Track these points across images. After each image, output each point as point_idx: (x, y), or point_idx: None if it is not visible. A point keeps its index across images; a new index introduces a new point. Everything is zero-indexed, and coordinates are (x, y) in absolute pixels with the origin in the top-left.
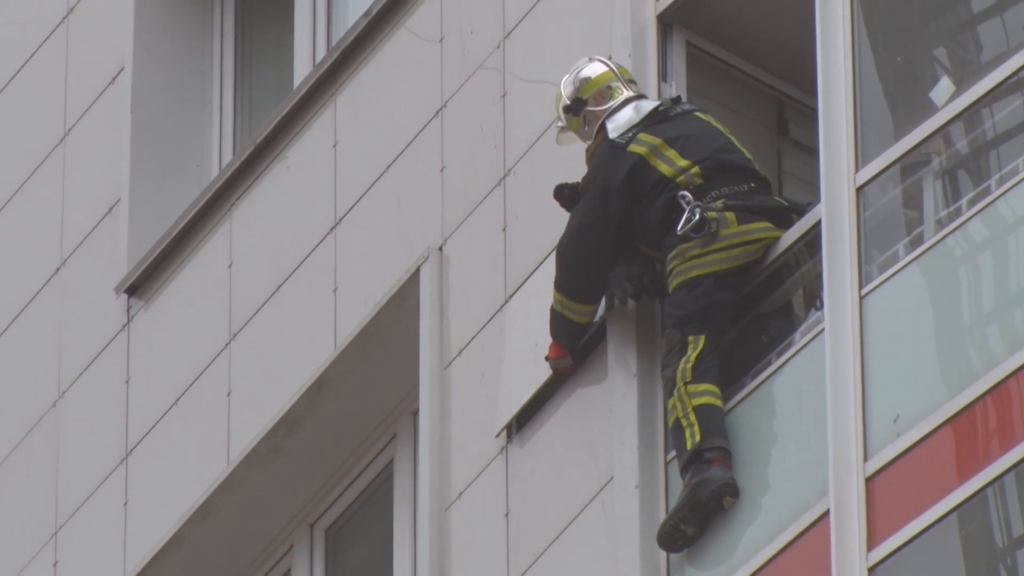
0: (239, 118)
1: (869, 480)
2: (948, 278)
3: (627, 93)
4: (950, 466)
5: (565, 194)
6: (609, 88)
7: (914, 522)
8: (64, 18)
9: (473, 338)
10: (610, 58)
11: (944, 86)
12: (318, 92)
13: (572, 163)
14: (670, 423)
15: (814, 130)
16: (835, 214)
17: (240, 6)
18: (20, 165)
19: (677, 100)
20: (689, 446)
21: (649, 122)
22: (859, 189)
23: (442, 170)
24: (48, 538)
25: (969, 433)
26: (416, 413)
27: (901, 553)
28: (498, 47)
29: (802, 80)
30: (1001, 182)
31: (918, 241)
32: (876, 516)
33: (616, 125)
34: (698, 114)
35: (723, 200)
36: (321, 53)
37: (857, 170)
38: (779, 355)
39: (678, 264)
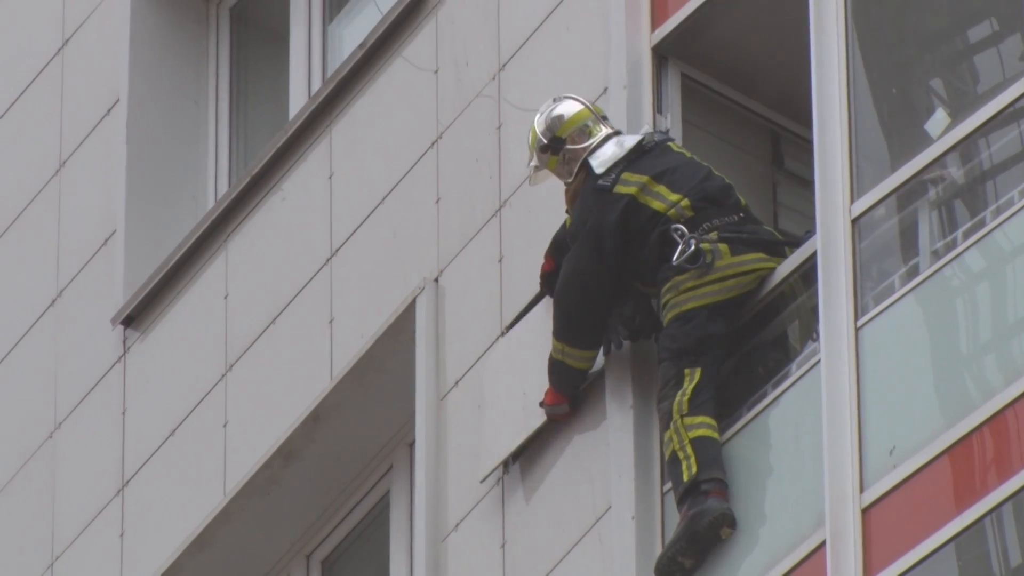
0: (235, 149)
1: (865, 511)
2: (944, 309)
3: (605, 130)
4: (947, 497)
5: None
6: (587, 126)
7: (911, 553)
8: (59, 50)
9: (469, 369)
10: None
11: (939, 117)
12: (313, 123)
13: None
14: (666, 456)
15: (809, 162)
16: (831, 245)
17: (235, 37)
18: (16, 196)
19: (652, 132)
20: (686, 478)
21: (631, 158)
22: (855, 220)
23: (438, 201)
24: (44, 569)
25: (966, 463)
26: (412, 444)
27: None
28: (493, 78)
29: (797, 112)
30: (997, 212)
31: (914, 272)
32: (872, 547)
33: (601, 161)
34: (670, 144)
35: (716, 232)
36: (316, 84)
37: (852, 201)
38: (775, 386)
39: (672, 297)
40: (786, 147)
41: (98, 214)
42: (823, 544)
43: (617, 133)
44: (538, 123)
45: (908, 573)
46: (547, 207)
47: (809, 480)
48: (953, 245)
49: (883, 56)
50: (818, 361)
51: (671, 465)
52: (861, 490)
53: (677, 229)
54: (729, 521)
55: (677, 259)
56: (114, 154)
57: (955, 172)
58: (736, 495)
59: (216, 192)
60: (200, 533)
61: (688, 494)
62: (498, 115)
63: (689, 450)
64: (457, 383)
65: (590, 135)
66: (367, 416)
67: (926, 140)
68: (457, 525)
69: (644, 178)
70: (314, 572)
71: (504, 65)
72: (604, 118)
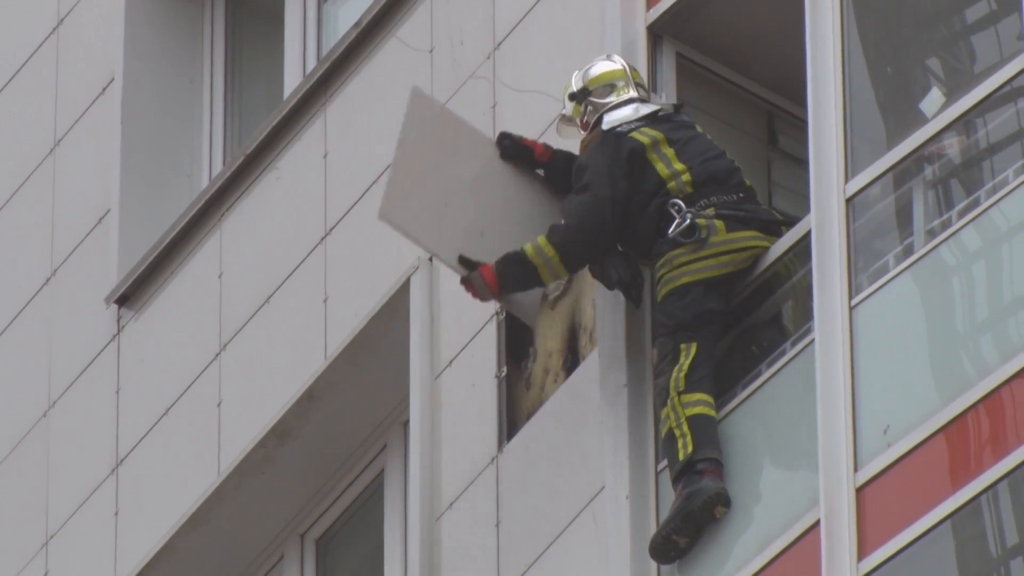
0: (229, 128)
1: (860, 490)
2: (939, 288)
3: (631, 93)
4: (943, 475)
5: (505, 144)
6: (614, 85)
7: (905, 531)
8: (54, 29)
9: (463, 348)
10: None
11: (934, 97)
12: (308, 102)
13: None
14: (663, 433)
15: (804, 141)
16: (825, 224)
17: (230, 17)
18: (10, 176)
19: (679, 109)
20: (681, 456)
21: (647, 120)
22: (849, 200)
23: None
24: (39, 548)
25: (962, 442)
26: (407, 423)
27: (892, 563)
28: (488, 58)
29: (792, 91)
30: (993, 191)
31: (908, 251)
32: (867, 526)
33: (612, 119)
34: (697, 127)
35: (713, 208)
36: (311, 64)
37: (847, 180)
38: (769, 366)
39: (667, 272)
40: (781, 126)
41: (93, 193)
42: (817, 523)
43: (643, 100)
44: (575, 74)
45: (903, 552)
46: None
47: (803, 459)
48: (948, 224)
49: (878, 35)
50: (812, 340)
51: (667, 443)
52: (855, 469)
53: (675, 204)
54: (724, 500)
55: (672, 232)
56: (109, 133)
57: (953, 148)
58: (731, 474)
59: (211, 171)
60: (194, 512)
61: (683, 473)
62: (493, 94)
63: (686, 428)
64: (451, 362)
65: (615, 94)
66: (361, 395)
67: (921, 119)
68: (451, 504)
69: (659, 135)
70: (308, 551)
71: (499, 45)
72: (640, 85)
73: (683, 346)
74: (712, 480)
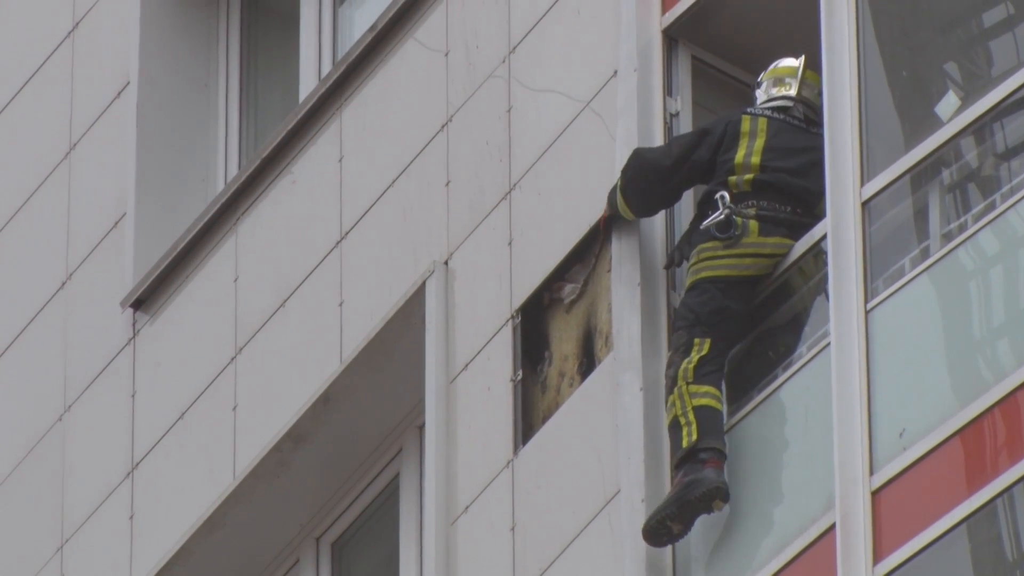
0: (245, 132)
1: (875, 493)
2: (955, 292)
3: (791, 92)
4: (958, 479)
5: None
6: (785, 81)
7: (921, 535)
8: (70, 32)
9: (479, 352)
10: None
11: (951, 100)
12: (324, 106)
13: (578, 176)
14: (667, 420)
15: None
16: (841, 228)
17: (246, 20)
18: (26, 179)
19: (814, 122)
20: (685, 444)
21: (775, 112)
22: (865, 203)
23: (448, 184)
24: (54, 552)
25: (977, 446)
26: (422, 427)
27: (908, 567)
28: (504, 61)
29: None
30: (1009, 195)
31: (924, 255)
32: (882, 529)
33: (753, 109)
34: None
35: (755, 209)
36: (327, 67)
37: (863, 184)
38: (785, 369)
39: (695, 263)
40: None
41: (108, 197)
42: (833, 527)
43: (802, 102)
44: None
45: (918, 556)
46: (557, 190)
47: (819, 463)
48: (964, 228)
49: (894, 39)
50: (828, 343)
51: (672, 430)
52: (871, 472)
53: (723, 196)
54: (723, 495)
55: (707, 223)
56: (124, 137)
57: (967, 154)
58: (746, 477)
59: (226, 175)
60: (210, 516)
61: (686, 460)
62: (508, 98)
63: (691, 416)
64: (467, 366)
65: (778, 88)
66: (377, 399)
67: (937, 123)
68: (467, 508)
69: (764, 129)
70: (324, 555)
71: (514, 48)
72: (811, 86)
73: (697, 340)
74: (714, 472)
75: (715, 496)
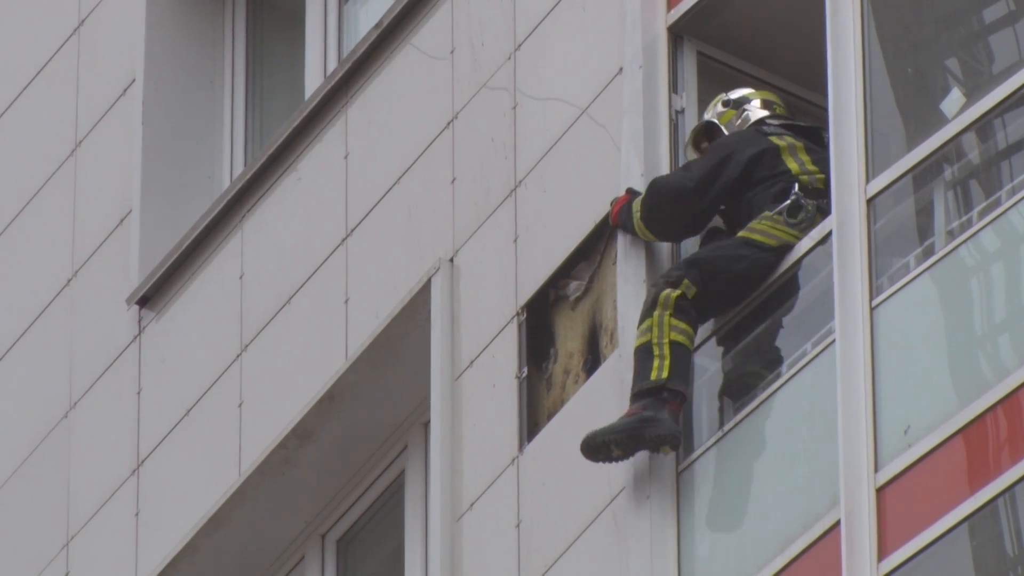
0: (250, 130)
1: (880, 491)
2: (959, 289)
3: (784, 119)
4: (961, 477)
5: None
6: (772, 104)
7: (925, 532)
8: (75, 30)
9: (484, 349)
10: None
11: (955, 97)
12: (329, 104)
13: (583, 174)
14: (636, 342)
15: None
16: (846, 225)
17: (251, 18)
18: (31, 177)
19: (820, 132)
20: (654, 376)
21: (789, 128)
22: (870, 200)
23: (453, 182)
24: (60, 549)
25: (980, 443)
26: (427, 424)
27: (912, 563)
28: (509, 59)
29: (815, 86)
30: (1013, 192)
31: (929, 252)
32: (887, 527)
33: (758, 115)
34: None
35: (817, 202)
36: (332, 65)
37: (868, 181)
38: (790, 366)
39: (753, 223)
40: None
41: (114, 194)
42: (837, 523)
43: (798, 126)
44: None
45: (922, 552)
46: (562, 187)
47: (824, 459)
48: (968, 225)
49: (899, 36)
50: (833, 341)
51: (642, 354)
52: (876, 469)
53: (797, 193)
54: (674, 443)
55: (780, 207)
56: (130, 134)
57: (970, 152)
58: (751, 474)
59: (232, 172)
60: (215, 513)
61: (648, 394)
62: (513, 95)
63: (667, 351)
64: (472, 363)
65: (773, 112)
66: (382, 396)
67: (941, 120)
68: (472, 505)
69: (799, 144)
70: (329, 552)
71: (520, 45)
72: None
73: (686, 282)
74: (672, 416)
75: (666, 442)
